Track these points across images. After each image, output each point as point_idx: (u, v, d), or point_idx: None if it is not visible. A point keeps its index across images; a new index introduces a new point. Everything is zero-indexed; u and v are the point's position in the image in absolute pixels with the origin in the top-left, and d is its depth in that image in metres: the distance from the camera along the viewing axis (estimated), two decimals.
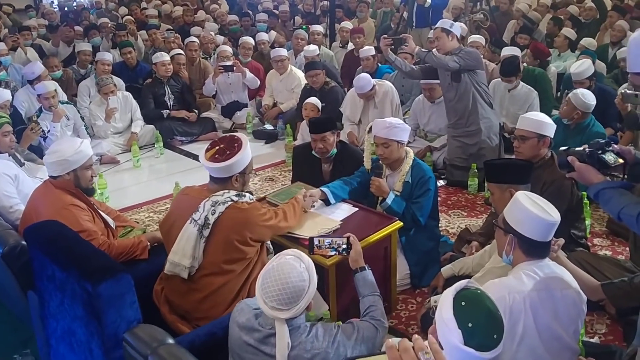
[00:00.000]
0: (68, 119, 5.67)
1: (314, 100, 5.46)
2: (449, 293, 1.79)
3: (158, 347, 2.09)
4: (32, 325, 3.01)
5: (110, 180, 5.44)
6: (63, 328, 2.60)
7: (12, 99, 5.94)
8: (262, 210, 2.80)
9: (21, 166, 4.50)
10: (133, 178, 5.79)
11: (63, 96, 6.36)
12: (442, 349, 1.80)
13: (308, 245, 2.78)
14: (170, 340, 2.14)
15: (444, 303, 1.78)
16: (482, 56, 6.29)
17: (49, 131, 5.45)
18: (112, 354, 2.32)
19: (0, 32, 8.78)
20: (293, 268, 2.10)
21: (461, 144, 5.06)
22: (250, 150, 2.82)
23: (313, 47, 7.19)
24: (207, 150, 2.80)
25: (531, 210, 2.25)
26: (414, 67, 5.18)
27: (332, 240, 2.75)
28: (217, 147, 2.78)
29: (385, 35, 5.22)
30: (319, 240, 2.77)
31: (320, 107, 5.43)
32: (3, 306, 3.50)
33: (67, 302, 2.49)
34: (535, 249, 2.29)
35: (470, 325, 1.70)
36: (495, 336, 1.73)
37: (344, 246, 2.73)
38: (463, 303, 1.74)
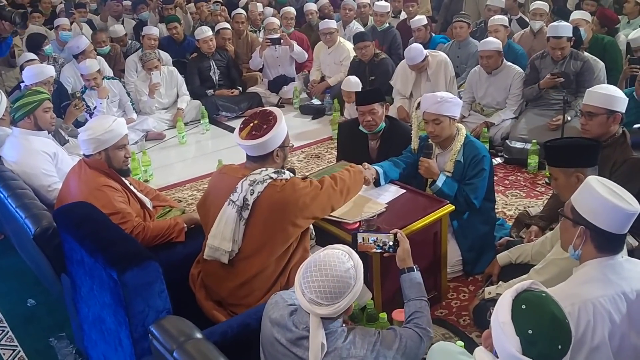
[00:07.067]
0: (108, 97, 5.61)
1: (352, 81, 5.22)
2: (508, 294, 1.59)
3: (185, 341, 1.94)
4: (67, 309, 2.95)
5: (156, 157, 5.38)
6: (94, 314, 2.52)
7: (59, 75, 5.95)
8: (302, 184, 2.57)
9: (64, 144, 4.48)
10: (178, 155, 5.70)
11: (109, 72, 6.32)
12: (497, 357, 1.61)
13: (351, 242, 2.56)
14: (199, 335, 1.98)
15: (502, 305, 1.58)
16: (544, 25, 5.89)
17: (95, 107, 5.42)
18: (141, 345, 2.22)
19: (56, 8, 8.80)
20: (341, 262, 1.92)
21: None
22: (286, 124, 2.63)
23: (384, 3, 6.97)
24: (241, 129, 2.60)
25: (608, 198, 1.95)
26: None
27: (377, 238, 2.52)
28: (252, 124, 2.58)
29: None
30: (363, 238, 2.55)
31: (361, 87, 5.20)
32: (42, 286, 3.46)
33: (96, 289, 2.39)
34: (610, 243, 1.99)
35: (530, 332, 1.51)
36: (560, 347, 1.52)
37: (391, 243, 2.50)
38: (524, 306, 1.55)
